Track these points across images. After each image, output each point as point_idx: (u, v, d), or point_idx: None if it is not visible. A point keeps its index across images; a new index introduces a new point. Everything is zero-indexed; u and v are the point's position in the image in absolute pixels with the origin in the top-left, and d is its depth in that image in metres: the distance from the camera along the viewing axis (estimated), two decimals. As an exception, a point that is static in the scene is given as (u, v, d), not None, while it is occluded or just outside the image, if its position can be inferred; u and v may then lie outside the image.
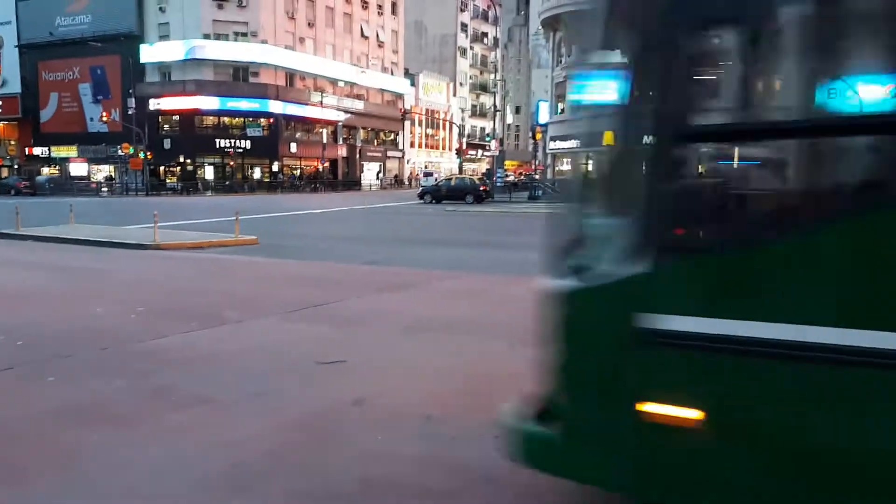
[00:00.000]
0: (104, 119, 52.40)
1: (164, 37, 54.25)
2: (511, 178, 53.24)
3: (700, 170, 2.73)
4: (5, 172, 60.51)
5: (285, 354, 5.90)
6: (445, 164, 73.29)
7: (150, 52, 54.12)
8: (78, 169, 58.48)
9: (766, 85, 2.74)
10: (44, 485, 3.48)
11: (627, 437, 2.45)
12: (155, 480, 3.52)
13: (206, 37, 53.18)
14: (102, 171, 57.85)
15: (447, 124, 75.49)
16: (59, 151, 59.37)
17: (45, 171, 58.72)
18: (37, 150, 60.49)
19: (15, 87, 58.83)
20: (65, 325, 7.01)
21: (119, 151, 52.45)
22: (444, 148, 77.83)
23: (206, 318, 7.31)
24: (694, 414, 2.31)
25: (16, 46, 59.95)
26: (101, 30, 54.65)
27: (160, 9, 54.21)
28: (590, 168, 2.87)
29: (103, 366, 5.56)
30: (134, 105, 50.95)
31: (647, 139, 2.41)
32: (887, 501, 2.11)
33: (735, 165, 2.76)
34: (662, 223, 2.36)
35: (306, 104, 56.85)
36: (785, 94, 2.72)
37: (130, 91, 52.37)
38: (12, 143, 62.11)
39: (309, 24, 58.05)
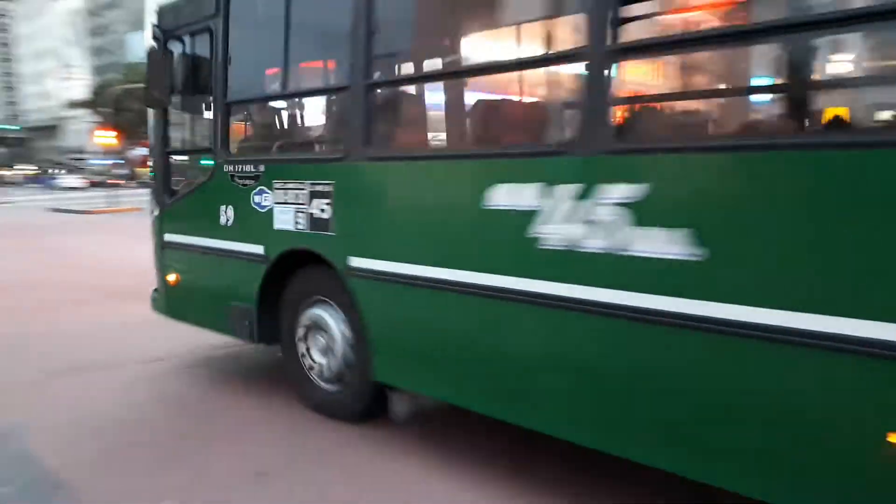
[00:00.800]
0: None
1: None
2: None
3: (170, 167, 5.43)
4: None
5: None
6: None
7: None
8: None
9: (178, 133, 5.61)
10: (276, 452, 3.92)
11: (168, 290, 5.35)
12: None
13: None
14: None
15: None
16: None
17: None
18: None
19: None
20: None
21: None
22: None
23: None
24: (174, 277, 5.25)
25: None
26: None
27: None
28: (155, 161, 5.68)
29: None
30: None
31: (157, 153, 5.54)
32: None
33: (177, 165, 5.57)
34: (158, 191, 5.38)
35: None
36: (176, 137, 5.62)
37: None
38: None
39: None
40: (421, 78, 4.82)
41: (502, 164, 3.14)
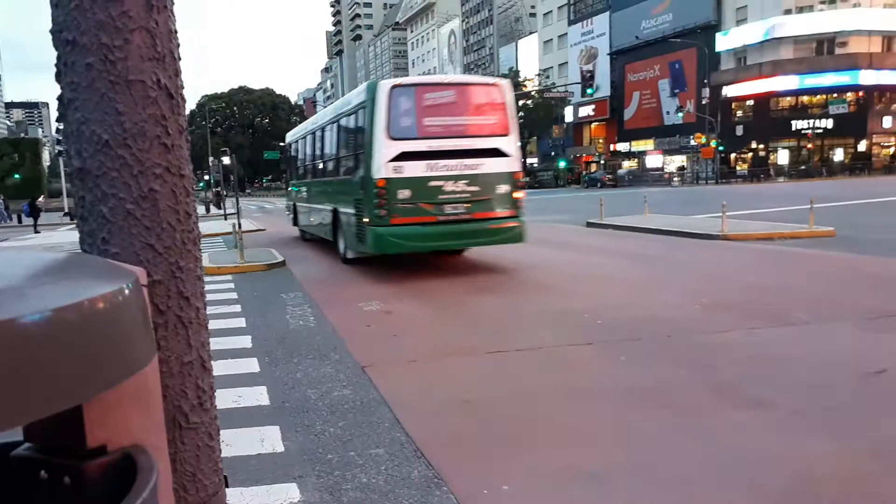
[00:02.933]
0: (680, 110, 55.17)
1: (740, 21, 53.80)
2: None
3: (291, 181, 20.59)
4: (594, 167, 69.81)
5: (859, 367, 5.15)
6: None
7: (724, 40, 54.47)
8: (653, 161, 63.26)
9: (294, 173, 19.79)
10: (612, 455, 3.86)
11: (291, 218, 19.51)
12: (711, 478, 3.53)
13: (788, 12, 50.39)
14: (675, 162, 61.16)
15: None
16: (637, 145, 65.31)
17: (626, 164, 65.40)
18: (620, 146, 67.80)
19: (605, 91, 67.13)
20: (635, 309, 7.66)
21: (691, 141, 54.56)
22: None
23: (770, 316, 6.97)
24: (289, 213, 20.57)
25: (607, 54, 68.23)
26: (680, 25, 57.53)
27: (738, -7, 53.90)
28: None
29: (667, 353, 5.87)
30: (707, 94, 52.12)
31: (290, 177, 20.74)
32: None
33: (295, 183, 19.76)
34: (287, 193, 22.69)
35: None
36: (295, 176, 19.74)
37: (705, 81, 53.74)
38: (600, 141, 71.15)
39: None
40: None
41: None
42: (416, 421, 4.49)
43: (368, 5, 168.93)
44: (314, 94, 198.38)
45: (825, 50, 50.14)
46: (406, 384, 5.37)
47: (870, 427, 4.09)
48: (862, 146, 49.70)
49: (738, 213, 18.51)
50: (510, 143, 10.74)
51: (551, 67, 79.20)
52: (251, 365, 6.08)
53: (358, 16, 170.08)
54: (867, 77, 48.19)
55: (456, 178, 10.30)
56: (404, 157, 10.15)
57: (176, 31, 0.85)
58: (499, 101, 10.88)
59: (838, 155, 51.26)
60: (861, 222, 16.38)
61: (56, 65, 0.81)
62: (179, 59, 0.86)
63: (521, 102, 73.13)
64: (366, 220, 10.37)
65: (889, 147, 50.30)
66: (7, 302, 0.48)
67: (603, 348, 6.09)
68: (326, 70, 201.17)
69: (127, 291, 0.58)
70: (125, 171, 0.80)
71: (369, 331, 7.27)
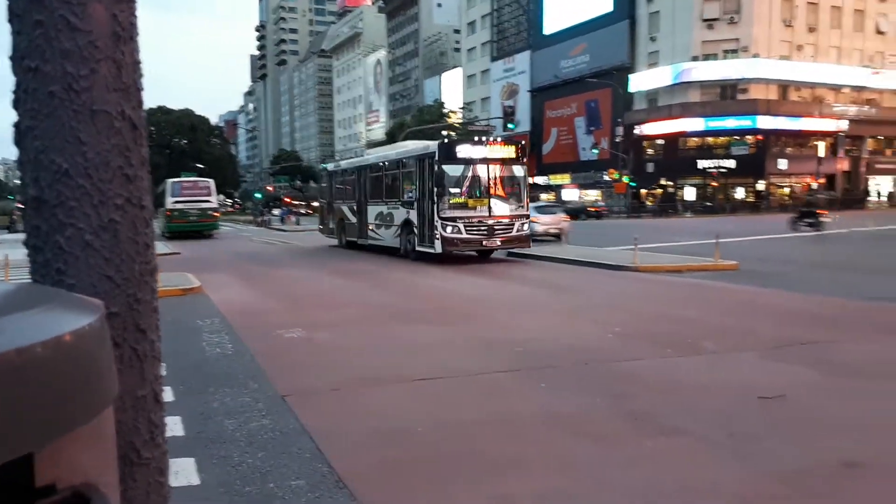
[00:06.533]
0: (595, 147, 57.31)
1: (652, 65, 56.58)
2: None
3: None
4: (516, 198, 71.13)
5: (761, 394, 5.45)
6: None
7: (638, 82, 57.09)
8: (569, 194, 65.12)
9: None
10: (541, 484, 3.91)
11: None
12: (628, 505, 3.63)
13: (695, 59, 53.45)
14: (589, 196, 63.26)
15: None
16: (555, 179, 67.21)
17: (543, 196, 67.11)
18: (538, 179, 69.59)
19: (525, 126, 68.95)
20: (552, 338, 7.84)
21: (605, 177, 56.62)
22: None
23: (680, 345, 7.28)
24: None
25: (528, 91, 70.29)
26: (597, 66, 59.96)
27: (651, 38, 56.74)
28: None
29: (585, 380, 6.03)
30: (621, 133, 54.40)
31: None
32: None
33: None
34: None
35: (800, 117, 52.15)
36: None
37: (618, 120, 56.08)
38: (522, 172, 72.80)
39: (810, 29, 53.34)
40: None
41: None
42: (339, 451, 4.41)
43: (294, 31, 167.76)
44: (236, 117, 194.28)
45: (728, 95, 53.42)
46: (329, 413, 5.28)
47: (773, 451, 4.32)
48: (761, 185, 52.91)
49: (648, 245, 19.30)
50: (213, 198, 34.64)
51: (474, 101, 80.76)
52: (165, 393, 5.82)
53: (284, 41, 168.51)
54: (764, 122, 51.53)
55: (193, 209, 33.05)
56: (176, 202, 32.82)
57: (140, 62, 0.85)
58: (210, 186, 34.73)
59: (739, 193, 54.39)
60: (763, 256, 17.39)
61: (14, 91, 0.78)
62: (142, 89, 0.86)
63: (444, 133, 74.08)
64: (166, 222, 32.85)
65: (784, 187, 53.76)
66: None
67: (524, 375, 6.19)
68: (250, 93, 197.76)
69: (97, 325, 0.57)
70: (85, 201, 0.78)
71: (290, 359, 7.12)
